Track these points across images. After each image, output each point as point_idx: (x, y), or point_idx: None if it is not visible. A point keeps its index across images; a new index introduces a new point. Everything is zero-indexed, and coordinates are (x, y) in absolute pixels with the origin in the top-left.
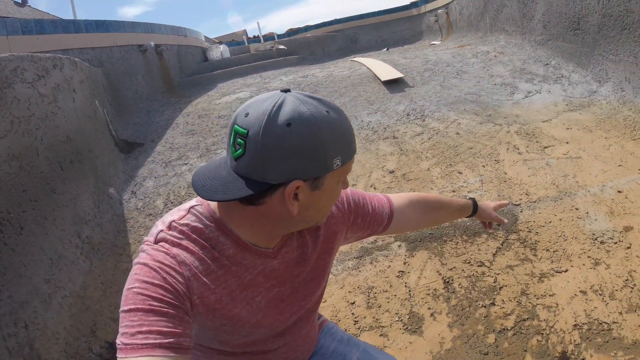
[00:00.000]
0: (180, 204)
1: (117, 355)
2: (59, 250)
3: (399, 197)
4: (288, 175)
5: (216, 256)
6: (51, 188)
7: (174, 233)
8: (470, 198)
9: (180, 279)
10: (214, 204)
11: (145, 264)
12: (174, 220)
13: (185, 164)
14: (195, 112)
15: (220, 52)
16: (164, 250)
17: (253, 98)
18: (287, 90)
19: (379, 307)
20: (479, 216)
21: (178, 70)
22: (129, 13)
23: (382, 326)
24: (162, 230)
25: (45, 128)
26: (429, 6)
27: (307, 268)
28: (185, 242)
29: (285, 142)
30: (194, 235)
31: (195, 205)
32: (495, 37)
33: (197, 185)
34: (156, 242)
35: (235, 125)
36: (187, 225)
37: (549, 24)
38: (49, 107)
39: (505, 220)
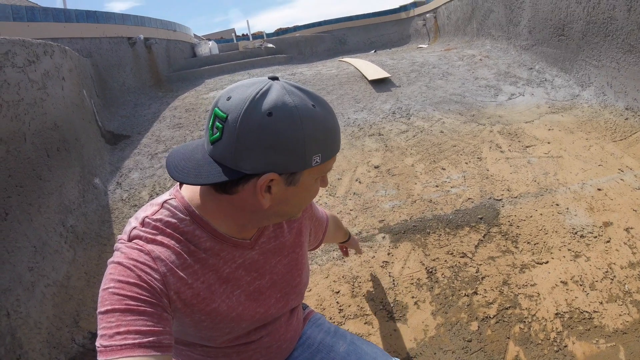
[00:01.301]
0: None
1: (98, 358)
2: (43, 238)
3: (327, 214)
4: (263, 166)
5: (192, 250)
6: (37, 175)
7: (148, 229)
8: (348, 231)
9: (155, 275)
10: (187, 196)
11: (119, 263)
12: (147, 216)
13: None
14: (182, 106)
15: (209, 48)
16: (138, 247)
17: (239, 82)
18: (275, 78)
19: (362, 295)
20: (348, 244)
21: (166, 64)
22: (116, 7)
23: (367, 314)
24: (135, 227)
25: (33, 114)
26: (418, 10)
27: (284, 259)
28: (159, 238)
29: (263, 132)
30: (168, 230)
31: (169, 199)
32: (482, 42)
33: (171, 166)
34: (130, 239)
35: (216, 108)
36: (160, 220)
37: (534, 29)
38: (38, 93)
39: (362, 251)
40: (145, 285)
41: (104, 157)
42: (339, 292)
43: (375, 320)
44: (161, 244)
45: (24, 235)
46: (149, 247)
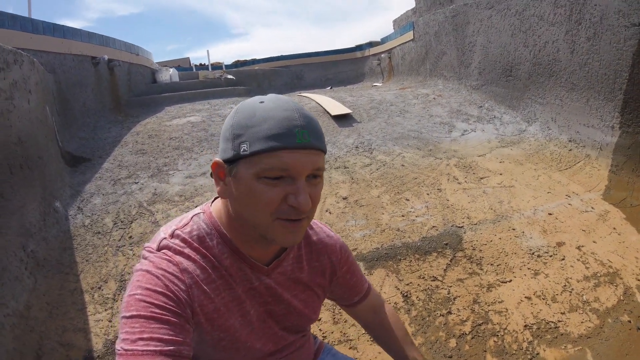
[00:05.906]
0: (131, 223)
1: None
2: (3, 262)
3: (376, 294)
4: (218, 154)
5: (216, 265)
6: None
7: (177, 241)
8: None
9: (182, 286)
10: (215, 212)
11: (147, 271)
12: (177, 229)
13: (136, 183)
14: (145, 132)
15: (169, 75)
16: (167, 257)
17: None
18: None
19: (345, 322)
20: None
21: (127, 88)
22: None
23: (351, 339)
24: (165, 238)
25: None
26: (373, 50)
27: (301, 294)
28: (187, 251)
29: (222, 127)
30: (195, 244)
31: (199, 213)
32: (434, 81)
33: None
34: (159, 249)
35: None
36: (189, 233)
37: (484, 70)
38: (5, 104)
39: None
40: (171, 295)
41: (65, 180)
42: (320, 319)
43: (360, 344)
44: (188, 257)
45: None
46: (177, 258)
